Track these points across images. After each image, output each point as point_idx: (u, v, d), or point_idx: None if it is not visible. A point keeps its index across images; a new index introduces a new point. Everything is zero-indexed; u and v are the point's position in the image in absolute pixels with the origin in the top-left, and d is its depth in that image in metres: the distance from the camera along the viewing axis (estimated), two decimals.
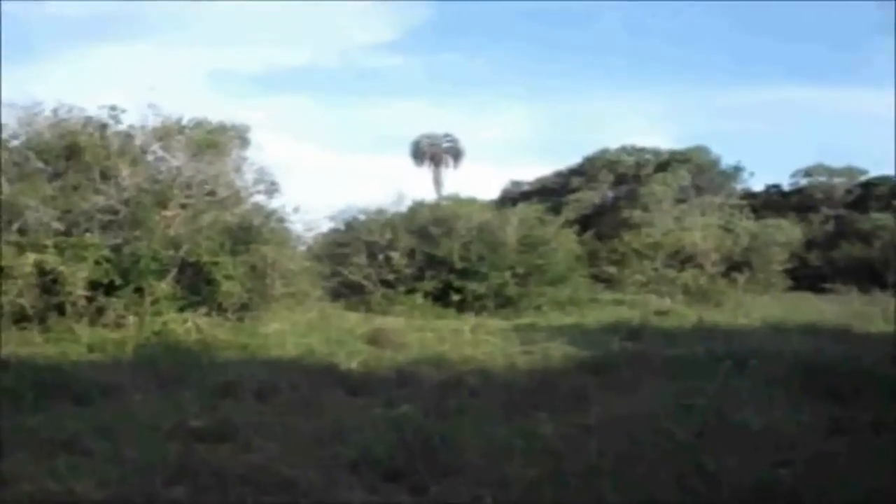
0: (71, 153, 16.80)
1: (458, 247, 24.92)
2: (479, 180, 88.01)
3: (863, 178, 50.01)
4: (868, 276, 35.86)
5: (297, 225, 20.15)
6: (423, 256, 25.30)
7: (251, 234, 17.62)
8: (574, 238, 29.53)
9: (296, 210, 19.43)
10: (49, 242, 15.30)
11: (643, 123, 79.73)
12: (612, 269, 32.21)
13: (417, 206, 28.27)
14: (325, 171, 58.75)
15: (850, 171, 50.23)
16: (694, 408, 8.72)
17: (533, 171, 75.28)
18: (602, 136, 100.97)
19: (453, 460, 6.62)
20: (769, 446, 7.17)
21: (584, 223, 38.13)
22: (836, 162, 50.74)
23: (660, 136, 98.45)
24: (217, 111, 43.40)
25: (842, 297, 28.51)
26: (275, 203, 19.30)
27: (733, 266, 35.36)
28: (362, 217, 27.04)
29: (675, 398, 9.39)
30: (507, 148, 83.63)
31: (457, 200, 29.39)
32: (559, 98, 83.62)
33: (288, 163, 33.24)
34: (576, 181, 49.40)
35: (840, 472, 6.31)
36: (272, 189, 19.11)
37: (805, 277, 37.72)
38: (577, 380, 10.80)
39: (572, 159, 52.07)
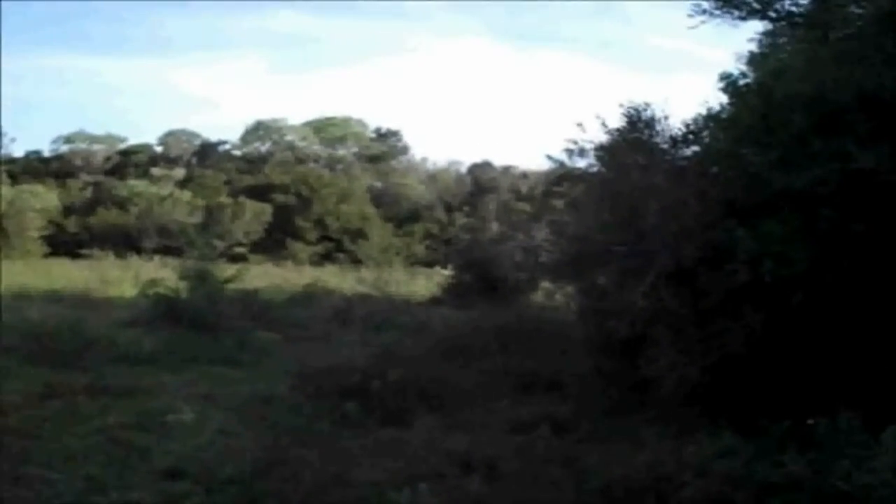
0: None
1: None
2: None
3: (122, 146, 52.14)
4: (124, 242, 37.68)
5: None
6: None
7: None
8: None
9: None
10: None
11: None
12: None
13: None
14: None
15: (109, 139, 51.88)
16: None
17: None
18: None
19: None
20: None
21: None
22: (98, 129, 51.94)
23: None
24: None
25: (96, 263, 29.30)
26: None
27: None
28: None
29: None
30: None
31: None
32: None
33: None
34: None
35: None
36: None
37: (63, 244, 37.92)
38: None
39: None
